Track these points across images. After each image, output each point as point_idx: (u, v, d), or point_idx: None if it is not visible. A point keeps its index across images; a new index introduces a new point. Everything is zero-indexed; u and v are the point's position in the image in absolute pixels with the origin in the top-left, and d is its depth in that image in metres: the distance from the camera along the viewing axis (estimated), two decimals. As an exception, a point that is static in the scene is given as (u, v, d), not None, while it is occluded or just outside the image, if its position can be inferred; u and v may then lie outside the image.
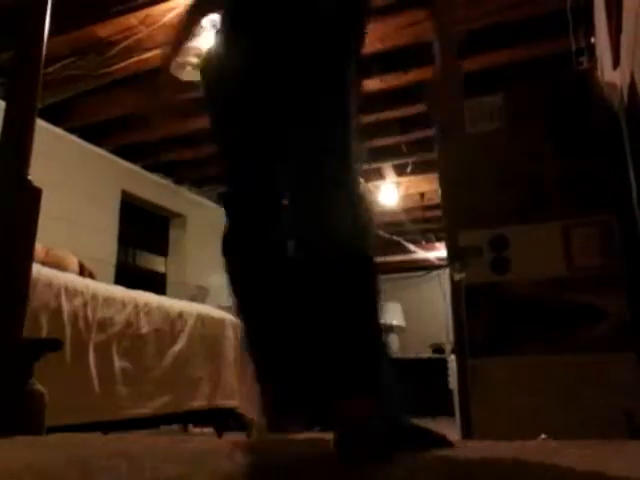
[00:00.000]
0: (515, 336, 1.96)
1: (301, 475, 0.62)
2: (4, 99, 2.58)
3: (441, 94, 1.22)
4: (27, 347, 1.30)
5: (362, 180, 1.02)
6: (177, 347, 2.75)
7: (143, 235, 5.29)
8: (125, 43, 3.07)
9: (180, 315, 2.83)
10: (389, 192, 5.54)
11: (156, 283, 5.07)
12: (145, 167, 4.95)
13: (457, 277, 2.07)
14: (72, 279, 2.29)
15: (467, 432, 1.97)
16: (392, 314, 7.87)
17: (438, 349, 7.17)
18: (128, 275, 4.64)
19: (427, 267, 7.86)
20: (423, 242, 7.20)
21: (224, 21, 1.18)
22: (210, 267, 5.34)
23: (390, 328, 7.83)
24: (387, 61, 3.45)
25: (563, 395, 1.85)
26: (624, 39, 1.81)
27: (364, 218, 0.98)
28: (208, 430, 4.01)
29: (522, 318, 1.97)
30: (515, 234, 2.04)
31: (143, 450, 0.86)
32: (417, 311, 7.91)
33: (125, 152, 4.69)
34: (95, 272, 3.36)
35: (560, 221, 1.99)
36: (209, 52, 1.22)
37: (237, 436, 3.50)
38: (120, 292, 2.53)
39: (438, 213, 5.43)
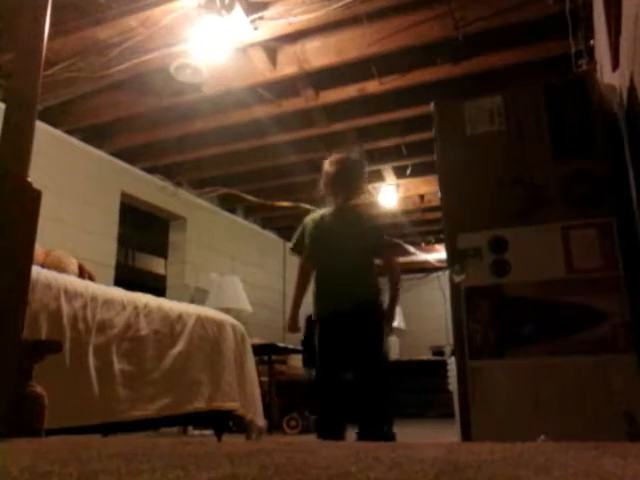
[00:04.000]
0: (514, 338, 1.96)
1: (301, 476, 0.62)
2: (4, 101, 2.58)
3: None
4: (27, 349, 1.30)
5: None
6: (177, 349, 2.74)
7: (143, 237, 5.29)
8: (125, 45, 3.08)
9: (180, 317, 2.83)
10: (389, 194, 5.55)
11: (156, 285, 5.07)
12: (145, 169, 4.95)
13: (457, 279, 2.07)
14: (72, 281, 2.28)
15: (466, 434, 1.97)
16: (392, 316, 7.85)
17: (438, 351, 7.17)
18: (128, 277, 4.64)
19: (427, 269, 7.87)
20: (423, 244, 7.20)
21: None
22: (209, 269, 5.34)
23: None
24: (386, 63, 3.46)
25: (563, 397, 1.85)
26: (623, 41, 1.81)
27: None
28: (208, 432, 4.01)
29: (521, 320, 1.97)
30: (514, 236, 2.04)
31: (142, 452, 0.86)
32: (417, 313, 7.90)
33: (125, 154, 4.69)
34: (95, 274, 3.36)
35: (560, 223, 1.99)
36: None
37: (237, 438, 3.50)
38: (120, 294, 2.52)
39: (437, 215, 5.43)
